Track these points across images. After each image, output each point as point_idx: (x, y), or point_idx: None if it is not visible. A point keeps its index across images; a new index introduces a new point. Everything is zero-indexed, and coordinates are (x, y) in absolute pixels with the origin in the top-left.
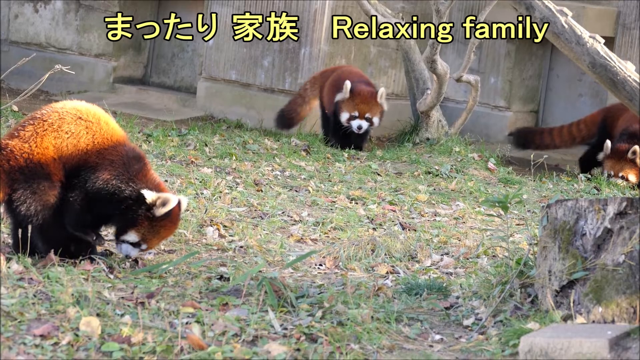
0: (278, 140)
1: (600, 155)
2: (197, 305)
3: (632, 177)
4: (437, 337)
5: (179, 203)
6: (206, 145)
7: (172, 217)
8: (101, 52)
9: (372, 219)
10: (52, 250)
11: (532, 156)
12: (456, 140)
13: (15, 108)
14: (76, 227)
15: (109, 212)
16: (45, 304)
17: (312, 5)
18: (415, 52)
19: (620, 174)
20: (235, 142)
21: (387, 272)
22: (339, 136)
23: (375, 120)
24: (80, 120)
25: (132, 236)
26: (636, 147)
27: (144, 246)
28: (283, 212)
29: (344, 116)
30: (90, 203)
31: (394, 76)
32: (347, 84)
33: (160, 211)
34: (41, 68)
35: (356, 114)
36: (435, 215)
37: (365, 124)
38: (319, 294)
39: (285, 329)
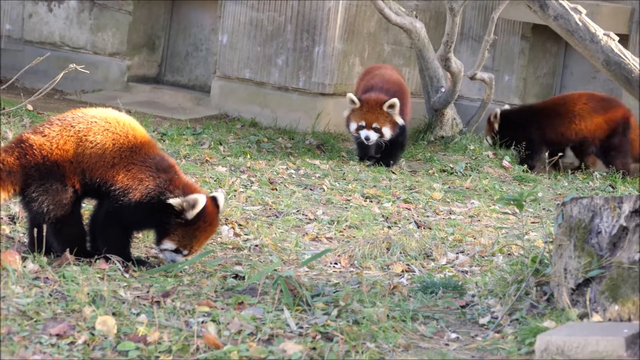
0: (292, 139)
1: None
2: (212, 304)
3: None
4: (453, 335)
5: (214, 201)
6: (220, 143)
7: (207, 218)
8: (115, 51)
9: (387, 217)
10: (68, 249)
11: (546, 154)
12: (471, 138)
13: (29, 107)
14: (128, 256)
15: (143, 227)
16: (61, 303)
17: (326, 3)
18: (429, 50)
19: None
20: (249, 140)
21: (402, 271)
22: (360, 147)
23: (386, 131)
24: (107, 132)
25: (168, 244)
26: (497, 110)
27: (185, 252)
28: (298, 211)
29: (352, 126)
30: (128, 226)
31: (408, 74)
32: (350, 96)
33: (191, 214)
34: (55, 67)
35: (363, 123)
36: (450, 213)
37: (373, 135)
38: (334, 292)
39: (301, 327)
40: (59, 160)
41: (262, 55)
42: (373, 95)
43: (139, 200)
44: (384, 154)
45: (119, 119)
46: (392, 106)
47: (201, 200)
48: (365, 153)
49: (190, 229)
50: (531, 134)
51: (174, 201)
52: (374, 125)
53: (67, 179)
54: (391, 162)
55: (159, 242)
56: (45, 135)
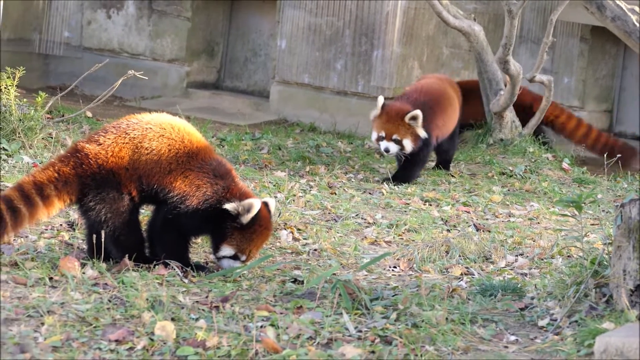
0: (351, 143)
1: None
2: (271, 309)
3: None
4: (512, 338)
5: (267, 207)
6: (279, 148)
7: (262, 222)
8: (174, 57)
9: (446, 221)
10: (127, 255)
11: (605, 155)
12: (530, 140)
13: (89, 114)
14: (187, 262)
15: (201, 233)
16: (120, 309)
17: (384, 7)
18: (488, 53)
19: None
20: (308, 145)
21: (461, 274)
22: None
23: (407, 143)
24: (162, 138)
25: (227, 250)
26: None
27: (242, 257)
28: (357, 215)
29: (373, 135)
30: (185, 232)
31: (467, 77)
32: (380, 100)
33: (246, 218)
34: (115, 74)
35: (383, 134)
36: (509, 216)
37: (393, 147)
38: (393, 296)
39: (360, 331)
40: (115, 169)
41: (321, 59)
42: (396, 105)
43: (197, 207)
44: (400, 168)
45: (174, 124)
46: (414, 118)
47: (256, 204)
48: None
49: (246, 233)
50: None
51: (229, 206)
52: (394, 136)
53: (124, 187)
54: (403, 179)
55: (216, 248)
56: (100, 144)
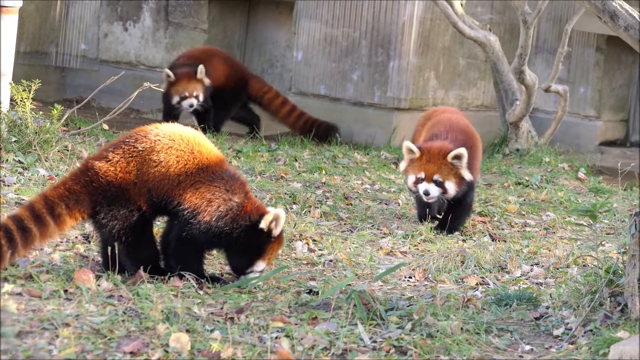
0: (368, 154)
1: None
2: (286, 320)
3: None
4: (527, 347)
5: None
6: (296, 160)
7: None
8: None
9: (462, 231)
10: (142, 267)
11: (619, 165)
12: (546, 150)
13: (105, 126)
14: (202, 273)
15: (216, 247)
16: (135, 321)
17: (400, 18)
18: (504, 63)
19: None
20: (324, 156)
21: (476, 284)
22: (420, 204)
23: (450, 186)
24: (170, 150)
25: (261, 265)
26: None
27: (267, 267)
28: (372, 225)
29: (410, 179)
30: (202, 245)
31: (483, 88)
32: (410, 144)
33: (277, 230)
34: (131, 86)
35: (422, 175)
36: (525, 225)
37: (434, 190)
38: (408, 306)
39: (375, 341)
40: (124, 185)
41: (337, 71)
42: (436, 143)
43: (210, 223)
44: (446, 216)
45: (184, 135)
46: (458, 157)
47: (282, 215)
48: (425, 212)
49: (274, 243)
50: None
51: (263, 225)
52: (436, 177)
53: (134, 203)
54: (453, 227)
55: (249, 265)
56: (109, 161)
